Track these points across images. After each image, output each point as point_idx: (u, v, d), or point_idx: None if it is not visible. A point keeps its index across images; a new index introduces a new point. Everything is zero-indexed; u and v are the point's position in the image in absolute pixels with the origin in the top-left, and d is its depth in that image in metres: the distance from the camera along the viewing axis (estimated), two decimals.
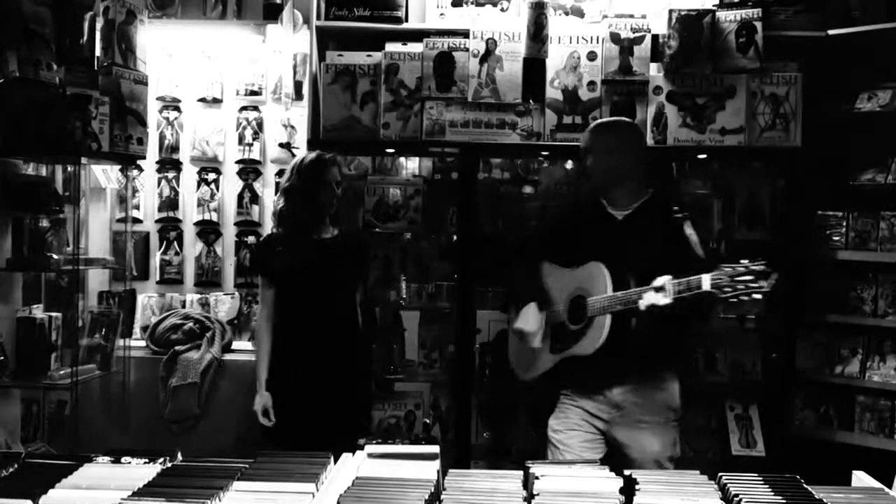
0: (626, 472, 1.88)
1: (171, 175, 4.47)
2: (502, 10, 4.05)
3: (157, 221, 4.50)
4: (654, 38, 3.96)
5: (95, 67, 3.62)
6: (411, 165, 4.56)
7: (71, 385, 3.67)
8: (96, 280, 4.33)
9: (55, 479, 1.79)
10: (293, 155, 4.19)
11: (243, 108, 4.45)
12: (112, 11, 3.64)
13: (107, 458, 1.98)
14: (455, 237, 4.16)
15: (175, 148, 4.48)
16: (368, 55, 4.06)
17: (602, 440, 3.22)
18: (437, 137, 3.98)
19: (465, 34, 3.97)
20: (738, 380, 4.13)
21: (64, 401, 3.98)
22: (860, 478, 1.99)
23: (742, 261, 2.77)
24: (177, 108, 4.48)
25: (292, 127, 4.36)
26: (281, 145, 4.39)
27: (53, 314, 3.78)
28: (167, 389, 4.04)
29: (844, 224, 4.12)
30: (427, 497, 1.70)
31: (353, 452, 2.08)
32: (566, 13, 4.04)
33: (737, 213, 4.12)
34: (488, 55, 3.95)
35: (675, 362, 3.28)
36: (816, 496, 1.80)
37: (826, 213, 4.17)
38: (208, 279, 4.48)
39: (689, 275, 2.84)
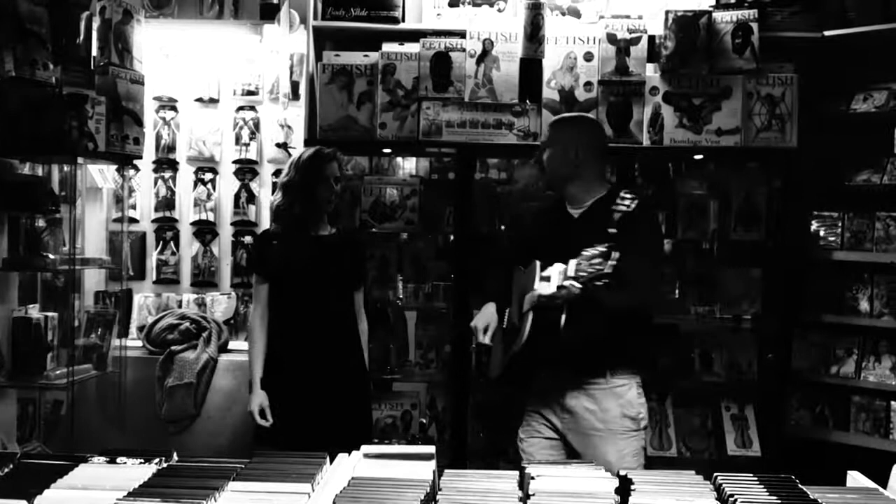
0: (622, 473, 1.88)
1: (167, 175, 4.47)
2: (499, 10, 4.05)
3: (153, 221, 4.50)
4: (651, 38, 3.97)
5: (92, 67, 3.62)
6: (408, 165, 4.57)
7: (67, 385, 3.67)
8: (92, 280, 4.32)
9: (51, 480, 1.79)
10: (290, 155, 4.18)
11: (240, 108, 4.45)
12: (108, 11, 3.64)
13: (102, 459, 1.98)
14: (452, 237, 4.16)
15: (171, 148, 4.47)
16: (365, 55, 4.06)
17: (561, 446, 3.15)
18: (434, 137, 3.99)
19: (461, 34, 3.98)
20: (734, 380, 4.14)
21: (60, 401, 3.97)
22: (855, 478, 2.00)
23: (597, 245, 2.73)
24: (173, 108, 4.47)
25: (289, 127, 4.35)
26: (278, 145, 4.39)
27: (49, 314, 3.77)
28: (163, 389, 4.03)
29: (840, 224, 4.14)
30: (423, 497, 1.70)
31: (350, 452, 2.08)
32: (563, 14, 4.04)
33: (733, 213, 4.12)
34: (485, 55, 3.95)
35: (632, 366, 3.11)
36: (811, 496, 1.80)
37: (822, 214, 4.19)
38: (205, 279, 4.47)
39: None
